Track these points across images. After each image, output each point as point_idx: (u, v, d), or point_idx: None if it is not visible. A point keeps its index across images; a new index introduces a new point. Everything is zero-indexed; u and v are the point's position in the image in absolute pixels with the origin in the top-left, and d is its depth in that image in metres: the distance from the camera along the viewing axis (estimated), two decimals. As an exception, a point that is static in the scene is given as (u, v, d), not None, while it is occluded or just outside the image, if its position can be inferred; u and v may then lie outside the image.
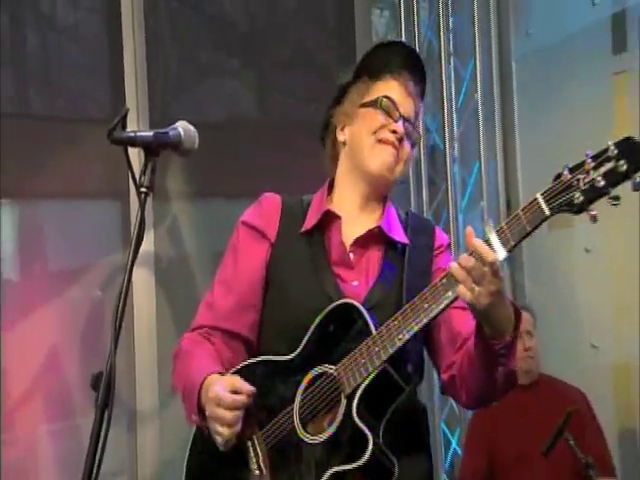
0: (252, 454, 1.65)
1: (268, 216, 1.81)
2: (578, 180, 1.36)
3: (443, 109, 4.23)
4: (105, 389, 1.45)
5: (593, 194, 1.34)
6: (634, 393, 3.73)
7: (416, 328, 1.54)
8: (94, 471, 1.38)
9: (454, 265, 1.48)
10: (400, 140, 1.74)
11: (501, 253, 1.43)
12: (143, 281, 3.61)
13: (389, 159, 1.74)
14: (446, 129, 4.21)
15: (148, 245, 3.59)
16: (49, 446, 3.51)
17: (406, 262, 1.79)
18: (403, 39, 4.25)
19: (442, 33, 4.26)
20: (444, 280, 1.52)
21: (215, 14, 4.10)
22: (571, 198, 1.37)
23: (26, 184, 3.52)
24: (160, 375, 3.44)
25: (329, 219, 1.76)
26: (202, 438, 1.74)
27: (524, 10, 4.34)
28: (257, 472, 1.60)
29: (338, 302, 1.66)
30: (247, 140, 3.83)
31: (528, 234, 1.42)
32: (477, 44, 4.21)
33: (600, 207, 3.96)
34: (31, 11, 3.69)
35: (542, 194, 1.39)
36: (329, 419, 1.64)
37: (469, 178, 4.30)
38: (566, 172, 1.38)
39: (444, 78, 4.24)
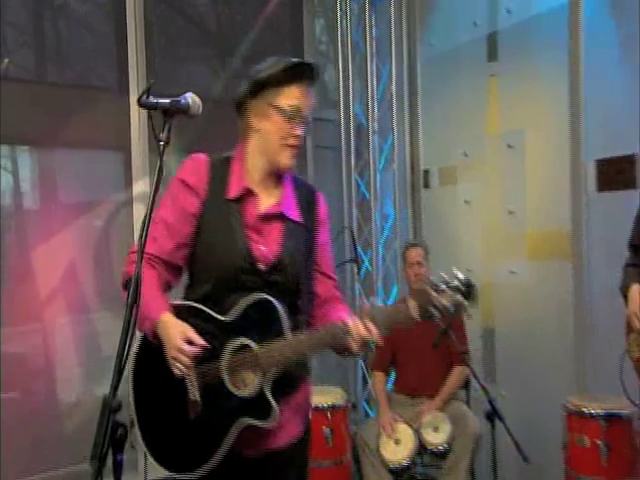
0: (189, 383, 1.73)
1: (199, 176, 1.86)
2: (437, 299, 1.62)
3: (367, 97, 4.58)
4: (134, 290, 1.52)
5: (442, 312, 1.63)
6: (493, 303, 4.16)
7: (316, 353, 1.79)
8: (125, 352, 1.48)
9: (351, 325, 1.67)
10: (299, 138, 1.84)
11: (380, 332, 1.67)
12: (141, 212, 3.61)
13: (293, 158, 1.86)
14: (369, 111, 4.57)
15: (144, 187, 3.72)
16: (68, 333, 3.57)
17: (301, 236, 1.88)
18: (339, 45, 4.60)
19: (367, 40, 4.53)
20: (343, 327, 1.69)
21: (194, 16, 4.16)
22: (431, 312, 1.63)
23: (44, 136, 3.53)
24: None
25: (248, 194, 1.85)
26: (147, 355, 1.82)
27: (427, 26, 4.58)
28: (193, 398, 1.71)
29: (269, 298, 1.75)
30: (215, 114, 3.91)
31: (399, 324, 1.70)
32: (393, 50, 4.53)
33: (475, 169, 4.19)
34: (47, 5, 3.66)
35: (415, 301, 1.63)
36: (247, 381, 1.75)
37: (385, 147, 4.63)
38: (432, 292, 1.62)
39: (368, 74, 4.55)
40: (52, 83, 3.69)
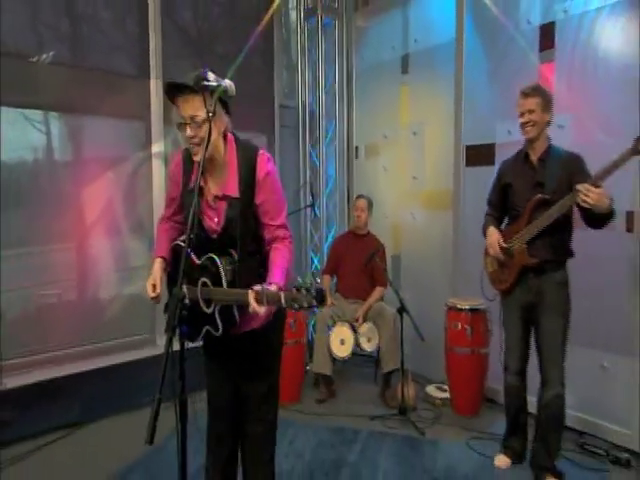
0: (187, 294, 1.93)
1: (175, 169, 2.03)
2: (299, 297, 1.58)
3: (318, 91, 4.87)
4: (191, 225, 1.66)
5: (298, 308, 1.60)
6: (400, 237, 4.57)
7: (237, 303, 1.80)
8: (182, 271, 1.61)
9: (249, 296, 1.68)
10: (193, 138, 1.81)
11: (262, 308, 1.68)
12: (157, 166, 3.98)
13: (196, 154, 1.85)
14: (319, 102, 4.88)
15: (160, 147, 3.95)
16: (107, 250, 3.79)
17: (239, 207, 1.91)
18: (299, 53, 4.80)
19: (319, 51, 4.86)
20: (245, 294, 1.70)
21: (180, 23, 4.23)
22: (293, 305, 1.60)
23: (81, 107, 3.61)
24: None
25: (201, 187, 1.92)
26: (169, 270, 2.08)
27: (361, 45, 4.89)
28: (187, 302, 1.72)
29: (214, 257, 1.86)
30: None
31: (276, 303, 1.64)
32: (337, 59, 4.91)
33: (391, 147, 4.61)
34: (76, 10, 3.64)
35: (284, 296, 1.60)
36: (210, 304, 1.91)
37: (329, 128, 4.98)
38: (295, 291, 1.59)
39: (319, 75, 4.85)
40: (88, 68, 3.67)
